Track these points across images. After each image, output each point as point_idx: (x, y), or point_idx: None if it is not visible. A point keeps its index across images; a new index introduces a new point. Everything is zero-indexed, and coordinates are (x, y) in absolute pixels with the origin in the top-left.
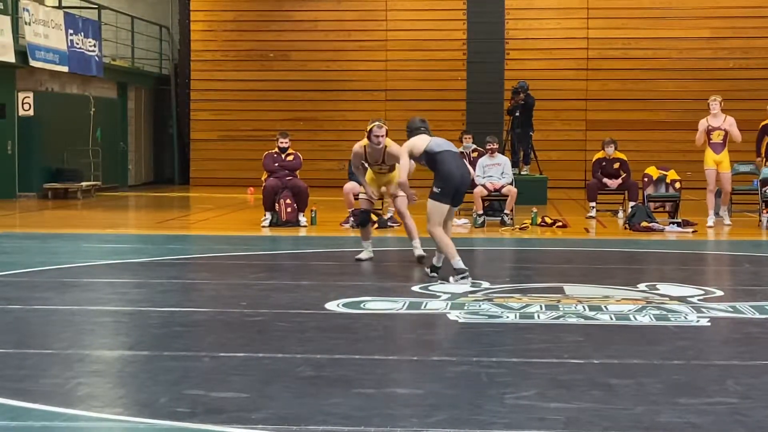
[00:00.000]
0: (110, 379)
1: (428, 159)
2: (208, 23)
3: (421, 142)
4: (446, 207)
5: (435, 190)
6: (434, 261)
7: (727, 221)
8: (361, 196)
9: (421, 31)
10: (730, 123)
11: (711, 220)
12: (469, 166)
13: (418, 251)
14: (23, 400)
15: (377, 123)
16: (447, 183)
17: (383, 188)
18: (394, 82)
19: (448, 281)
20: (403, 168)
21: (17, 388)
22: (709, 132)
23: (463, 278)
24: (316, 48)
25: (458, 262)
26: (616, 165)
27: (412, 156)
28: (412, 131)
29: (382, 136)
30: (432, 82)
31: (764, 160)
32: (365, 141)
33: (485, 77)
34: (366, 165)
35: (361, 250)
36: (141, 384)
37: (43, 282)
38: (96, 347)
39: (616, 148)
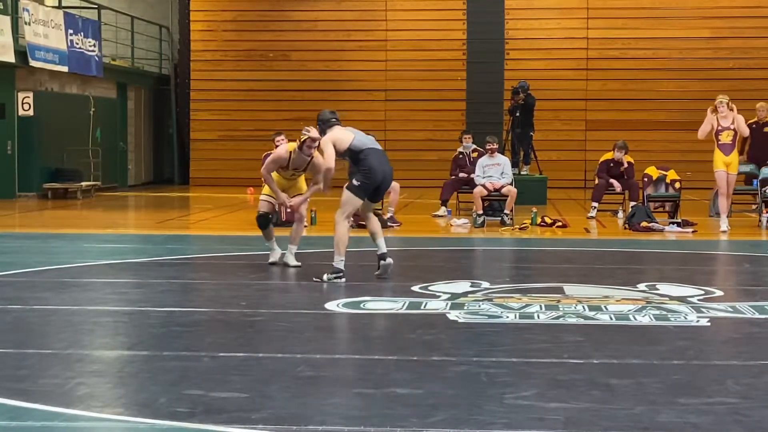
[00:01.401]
0: (110, 379)
1: (352, 155)
2: (208, 23)
3: (344, 136)
4: (360, 202)
5: (354, 182)
6: (378, 249)
7: (725, 225)
8: (263, 198)
9: (421, 31)
10: (740, 122)
11: (724, 224)
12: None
13: (291, 259)
14: (23, 400)
15: (311, 136)
16: (369, 179)
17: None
18: (393, 82)
19: (321, 279)
20: (330, 156)
21: (17, 388)
22: (717, 133)
23: (337, 278)
24: (316, 48)
25: (340, 262)
26: (623, 168)
27: (335, 149)
28: (324, 123)
29: (315, 148)
30: (432, 82)
31: (746, 158)
32: (292, 147)
33: (485, 77)
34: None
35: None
36: (141, 384)
37: (43, 282)
38: (95, 347)
39: (626, 153)
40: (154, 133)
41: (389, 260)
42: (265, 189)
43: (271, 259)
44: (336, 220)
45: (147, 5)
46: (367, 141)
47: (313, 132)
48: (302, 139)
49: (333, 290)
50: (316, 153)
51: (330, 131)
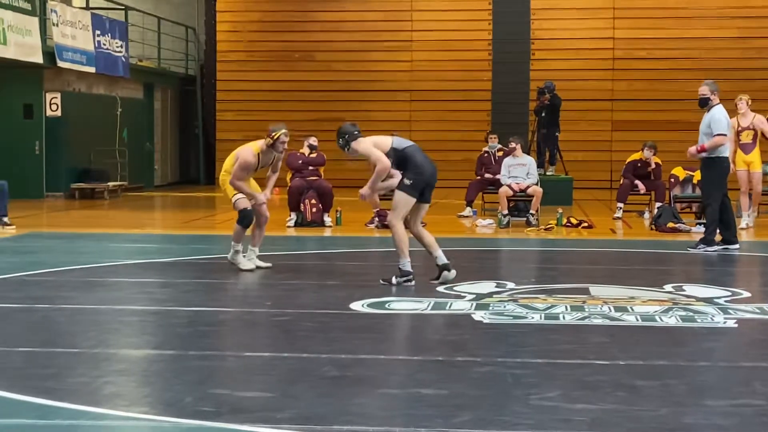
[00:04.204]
0: (136, 378)
1: (396, 156)
2: (234, 24)
3: (382, 139)
4: (413, 201)
5: (406, 182)
6: (438, 263)
7: (745, 222)
8: (240, 197)
9: (446, 31)
10: (760, 120)
11: (744, 222)
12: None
13: (255, 262)
14: (50, 399)
15: (285, 131)
16: (419, 175)
17: None
18: (419, 83)
19: (390, 281)
20: (382, 156)
21: (44, 386)
22: (738, 132)
23: (407, 281)
24: (341, 48)
25: (406, 264)
26: (650, 169)
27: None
28: (349, 135)
29: (287, 143)
30: (457, 82)
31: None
32: (257, 149)
33: (511, 77)
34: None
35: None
36: (166, 383)
37: (70, 281)
38: (122, 346)
39: (655, 153)
40: (180, 134)
41: (453, 272)
42: (231, 190)
43: (251, 266)
44: (391, 224)
45: (173, 6)
46: (404, 141)
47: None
48: (276, 136)
49: (358, 290)
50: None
51: (358, 141)
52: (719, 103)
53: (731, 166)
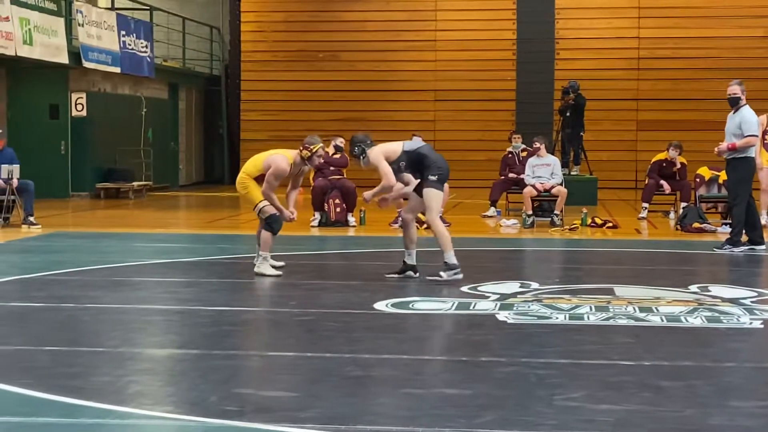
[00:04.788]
0: (160, 377)
1: (410, 157)
2: (258, 24)
3: (392, 146)
4: (442, 194)
5: (432, 177)
6: (406, 259)
7: (765, 220)
8: (266, 204)
9: (470, 30)
10: None
11: (764, 219)
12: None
13: (274, 267)
14: (75, 397)
15: (322, 145)
16: (441, 168)
17: None
18: (443, 83)
19: (439, 277)
20: (389, 172)
21: (70, 385)
22: (764, 133)
23: (455, 274)
24: (365, 48)
25: (451, 257)
26: (675, 168)
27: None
28: (362, 143)
29: (323, 157)
30: (481, 82)
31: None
32: (291, 158)
33: (535, 77)
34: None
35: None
36: (191, 382)
37: (95, 280)
38: (146, 345)
39: (680, 153)
40: (205, 134)
41: (418, 274)
42: (258, 195)
43: (276, 272)
44: (430, 222)
45: (198, 6)
46: (413, 143)
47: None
48: (314, 150)
49: (382, 290)
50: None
51: (371, 150)
52: (746, 103)
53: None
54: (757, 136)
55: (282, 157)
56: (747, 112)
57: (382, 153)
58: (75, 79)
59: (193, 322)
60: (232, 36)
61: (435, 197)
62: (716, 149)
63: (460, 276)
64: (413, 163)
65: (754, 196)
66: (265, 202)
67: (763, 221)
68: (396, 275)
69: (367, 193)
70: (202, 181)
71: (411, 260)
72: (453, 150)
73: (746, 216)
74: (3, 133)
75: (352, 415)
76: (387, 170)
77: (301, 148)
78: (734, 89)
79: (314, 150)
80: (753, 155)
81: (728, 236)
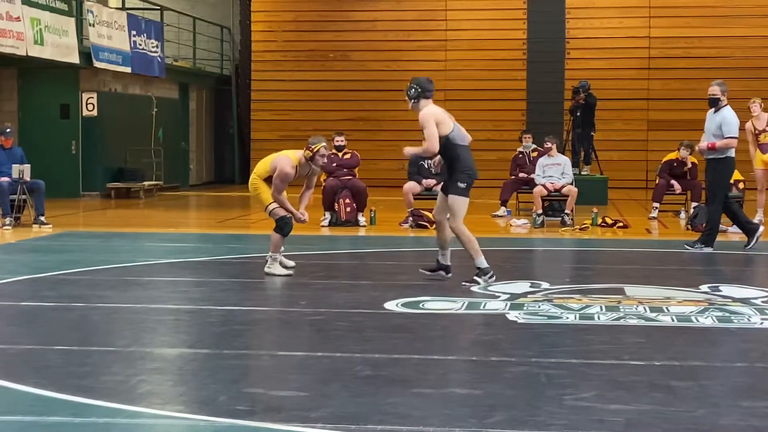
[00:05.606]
0: (171, 376)
1: (448, 147)
2: (269, 24)
3: (446, 120)
4: (468, 201)
5: (460, 185)
6: (440, 258)
7: (758, 219)
8: (275, 207)
9: (480, 30)
10: None
11: (758, 218)
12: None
13: (285, 267)
14: (86, 397)
15: (324, 144)
16: (471, 177)
17: None
18: (453, 82)
19: (476, 282)
20: (434, 137)
21: (80, 384)
22: (757, 135)
23: (490, 278)
24: (375, 48)
25: (482, 262)
26: (686, 168)
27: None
28: (424, 90)
29: (327, 156)
30: (492, 82)
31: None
32: (296, 159)
33: (545, 77)
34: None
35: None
36: (201, 382)
37: (106, 280)
38: (157, 345)
39: (691, 153)
40: (216, 134)
41: (450, 275)
42: (268, 197)
43: (286, 272)
44: (456, 230)
45: (208, 6)
46: (463, 135)
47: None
48: (316, 149)
49: (392, 290)
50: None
51: (428, 105)
52: (727, 104)
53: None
54: (737, 137)
55: (286, 159)
56: (728, 112)
57: (433, 116)
58: (86, 78)
59: (203, 321)
60: (242, 36)
61: (461, 205)
62: (697, 147)
63: (493, 279)
64: (446, 155)
65: (754, 197)
66: (275, 205)
67: (756, 219)
68: (429, 272)
69: (409, 149)
70: (213, 181)
71: (444, 260)
72: None
73: (735, 217)
74: (12, 132)
75: (362, 414)
76: (433, 134)
77: (305, 149)
78: (714, 90)
79: (316, 149)
80: (733, 155)
81: (701, 234)
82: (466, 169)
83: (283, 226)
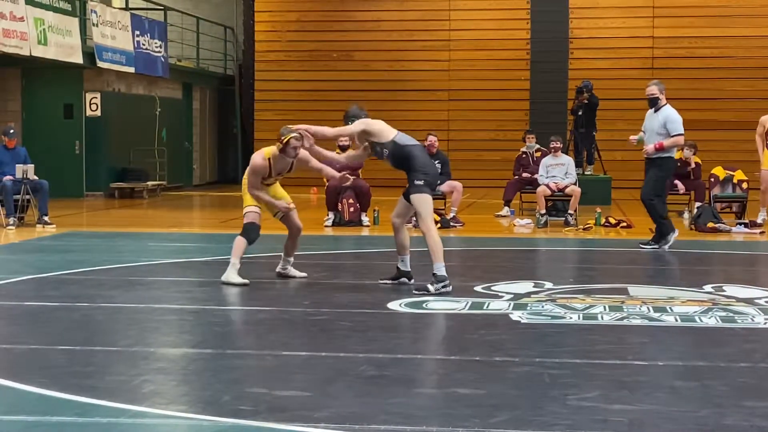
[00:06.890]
0: (175, 376)
1: (396, 150)
2: (272, 24)
3: (387, 128)
4: (430, 197)
5: (417, 182)
6: (399, 265)
7: (761, 218)
8: (251, 209)
9: (484, 30)
10: None
11: (760, 217)
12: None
13: (290, 272)
14: (90, 397)
15: (295, 135)
16: (427, 173)
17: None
18: (457, 82)
19: (427, 290)
20: (345, 131)
21: (84, 384)
22: (767, 135)
23: (444, 287)
24: (379, 48)
25: (441, 269)
26: (690, 168)
27: (369, 137)
28: (356, 117)
29: (299, 147)
30: (495, 81)
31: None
32: (268, 153)
33: (549, 77)
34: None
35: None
36: (205, 382)
37: (109, 280)
38: (161, 345)
39: (695, 153)
40: (219, 133)
41: (413, 281)
42: (248, 199)
43: (238, 280)
44: (424, 229)
45: (212, 6)
46: (409, 138)
47: (342, 140)
48: (285, 140)
49: (395, 290)
50: (301, 151)
51: (374, 121)
52: (667, 103)
53: None
54: (683, 134)
55: (258, 153)
56: (670, 111)
57: (365, 123)
58: (89, 79)
59: (206, 321)
60: (246, 36)
61: (424, 202)
62: (643, 151)
63: (449, 289)
64: (399, 159)
65: (758, 197)
66: (250, 207)
67: (760, 218)
68: (390, 281)
69: (303, 126)
70: (216, 181)
71: (404, 266)
72: (467, 150)
73: (653, 210)
74: (15, 132)
75: (366, 414)
76: (348, 130)
77: (277, 141)
78: (652, 90)
79: (285, 140)
80: (674, 154)
81: (654, 234)
82: (422, 167)
83: (249, 231)
